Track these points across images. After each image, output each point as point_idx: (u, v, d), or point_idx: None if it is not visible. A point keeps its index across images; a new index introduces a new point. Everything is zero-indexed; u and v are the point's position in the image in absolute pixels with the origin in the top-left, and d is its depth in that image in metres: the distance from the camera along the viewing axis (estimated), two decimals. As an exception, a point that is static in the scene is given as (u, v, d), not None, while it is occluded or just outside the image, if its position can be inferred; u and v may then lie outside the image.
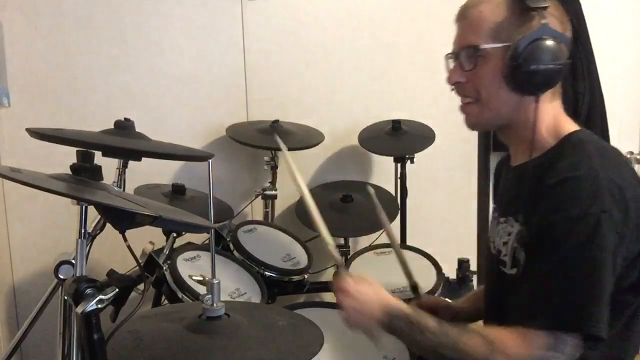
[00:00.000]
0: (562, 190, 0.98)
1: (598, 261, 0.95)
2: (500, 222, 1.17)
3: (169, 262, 1.45)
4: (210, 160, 1.22)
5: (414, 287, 1.37)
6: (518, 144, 1.17)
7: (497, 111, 1.12)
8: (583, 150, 1.04)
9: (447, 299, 1.45)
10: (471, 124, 1.18)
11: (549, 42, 1.02)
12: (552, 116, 1.10)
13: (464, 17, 1.13)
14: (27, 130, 1.09)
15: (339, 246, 2.04)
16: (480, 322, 1.32)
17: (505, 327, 1.01)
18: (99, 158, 0.99)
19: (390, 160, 2.19)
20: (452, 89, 1.17)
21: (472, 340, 1.01)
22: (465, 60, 1.11)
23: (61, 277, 1.30)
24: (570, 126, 1.10)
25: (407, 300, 1.34)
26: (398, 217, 2.10)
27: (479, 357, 1.00)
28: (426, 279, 1.66)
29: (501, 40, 1.06)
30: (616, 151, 1.09)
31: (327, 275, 2.16)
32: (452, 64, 1.17)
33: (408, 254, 1.82)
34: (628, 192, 0.99)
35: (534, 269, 1.01)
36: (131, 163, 1.47)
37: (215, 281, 0.96)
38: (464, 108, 1.16)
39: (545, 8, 1.03)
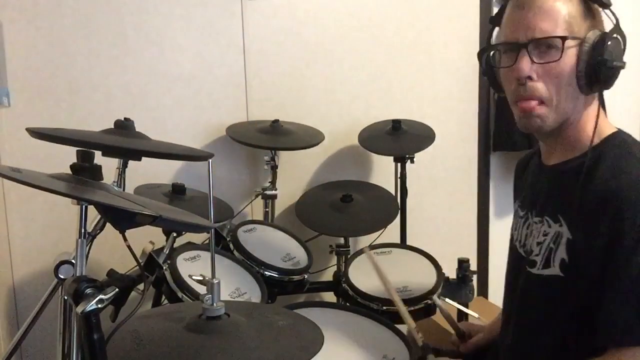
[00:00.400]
0: (626, 199, 0.95)
1: None
2: (535, 222, 1.13)
3: (169, 262, 1.45)
4: (210, 160, 1.22)
5: (462, 334, 1.42)
6: (556, 143, 1.12)
7: (564, 112, 1.05)
8: (631, 153, 1.01)
9: (481, 324, 1.47)
10: (535, 128, 1.08)
11: (621, 40, 1.02)
12: (595, 115, 1.07)
13: (534, 5, 1.03)
14: (27, 130, 1.08)
15: (338, 246, 2.04)
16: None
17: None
18: (99, 158, 0.99)
19: (390, 160, 2.19)
20: (522, 84, 1.05)
21: None
22: (542, 52, 1.03)
23: (61, 277, 1.30)
24: (610, 126, 1.08)
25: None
26: (398, 217, 2.10)
27: None
28: (426, 279, 1.66)
29: (574, 34, 1.02)
30: None
31: (327, 275, 2.16)
32: (518, 57, 1.04)
33: (408, 254, 1.83)
34: None
35: (612, 284, 0.96)
36: (131, 163, 1.46)
37: (215, 281, 0.96)
38: (529, 110, 1.06)
39: (610, 5, 1.03)
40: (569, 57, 1.02)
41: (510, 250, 1.24)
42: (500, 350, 1.27)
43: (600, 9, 1.05)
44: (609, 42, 1.01)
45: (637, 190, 0.95)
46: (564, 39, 1.01)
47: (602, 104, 1.11)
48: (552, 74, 1.03)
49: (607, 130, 1.07)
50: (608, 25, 1.08)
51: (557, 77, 1.03)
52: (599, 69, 1.01)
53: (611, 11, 1.04)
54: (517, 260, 1.17)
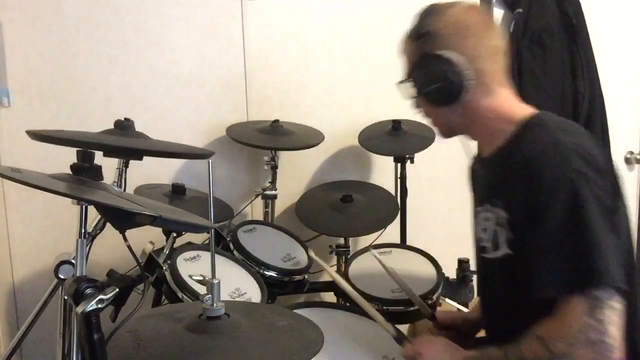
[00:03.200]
0: (533, 164, 1.03)
1: (587, 219, 0.98)
2: (478, 211, 1.22)
3: (169, 262, 1.45)
4: (210, 160, 1.22)
5: (432, 315, 1.46)
6: (480, 140, 1.27)
7: (445, 125, 1.28)
8: (543, 127, 1.09)
9: (462, 311, 1.52)
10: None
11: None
12: (500, 106, 1.17)
13: None
14: (27, 132, 1.09)
15: (338, 246, 2.04)
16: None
17: (538, 321, 1.03)
18: (99, 158, 0.99)
19: (390, 160, 2.19)
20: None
21: (529, 347, 1.02)
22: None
23: (61, 277, 1.30)
24: (525, 111, 1.16)
25: (420, 315, 1.47)
26: (398, 217, 2.10)
27: (544, 358, 1.00)
28: (426, 279, 1.66)
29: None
30: (578, 127, 1.13)
31: (327, 275, 2.16)
32: None
33: (408, 254, 1.82)
34: (599, 156, 1.03)
35: (534, 245, 1.03)
36: (131, 163, 1.47)
37: (215, 281, 0.96)
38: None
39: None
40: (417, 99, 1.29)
41: (473, 243, 1.32)
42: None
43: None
44: (413, 73, 1.24)
45: (542, 153, 1.03)
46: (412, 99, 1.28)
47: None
48: (432, 116, 1.29)
49: (521, 114, 1.14)
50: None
51: (429, 114, 1.29)
52: (427, 98, 1.23)
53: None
54: (477, 253, 1.26)
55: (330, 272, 1.53)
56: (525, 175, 1.04)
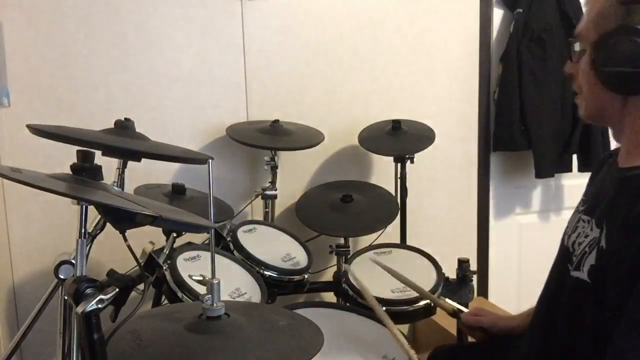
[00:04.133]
0: None
1: None
2: (583, 219, 1.08)
3: (169, 262, 1.45)
4: (210, 161, 1.22)
5: (454, 312, 1.43)
6: (623, 142, 1.07)
7: (595, 107, 1.06)
8: None
9: (495, 314, 1.43)
10: (582, 118, 1.12)
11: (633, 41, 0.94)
12: None
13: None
14: (28, 126, 1.08)
15: (338, 246, 2.04)
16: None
17: None
18: (99, 158, 0.99)
19: (390, 160, 2.19)
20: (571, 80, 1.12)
21: None
22: (573, 52, 1.08)
23: (61, 277, 1.30)
24: None
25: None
26: (398, 217, 2.10)
27: None
28: (426, 279, 1.66)
29: (591, 33, 1.02)
30: None
31: (327, 275, 2.16)
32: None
33: (408, 254, 1.83)
34: None
35: (625, 317, 0.89)
36: (131, 163, 1.47)
37: (215, 281, 0.96)
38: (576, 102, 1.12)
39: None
40: (586, 56, 1.03)
41: (561, 241, 1.17)
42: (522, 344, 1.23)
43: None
44: (611, 42, 0.96)
45: None
46: (576, 39, 1.04)
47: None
48: (580, 71, 1.06)
49: None
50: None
51: (583, 74, 1.05)
52: (602, 70, 0.99)
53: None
54: (562, 253, 1.12)
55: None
56: None
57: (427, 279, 1.66)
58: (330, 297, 1.93)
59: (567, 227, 1.16)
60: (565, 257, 1.09)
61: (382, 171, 2.35)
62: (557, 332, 1.08)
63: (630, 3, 0.94)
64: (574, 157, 2.56)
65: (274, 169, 2.10)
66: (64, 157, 1.00)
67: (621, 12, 0.95)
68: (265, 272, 1.61)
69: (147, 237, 1.43)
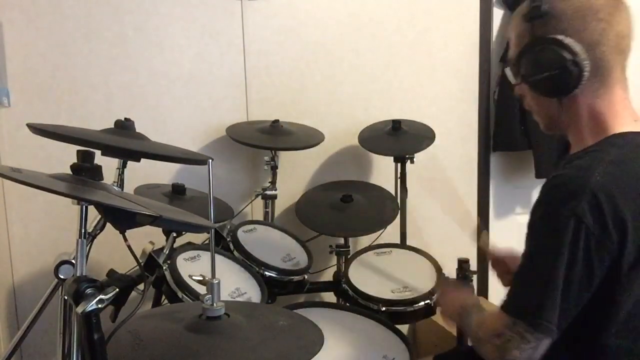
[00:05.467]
0: (546, 187, 1.02)
1: (555, 260, 0.97)
2: None
3: (169, 262, 1.45)
4: (210, 161, 1.22)
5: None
6: (573, 144, 1.15)
7: (545, 116, 1.16)
8: (604, 151, 1.01)
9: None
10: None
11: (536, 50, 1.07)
12: (604, 111, 1.06)
13: None
14: (28, 125, 1.08)
15: (338, 246, 2.04)
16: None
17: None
18: (99, 158, 0.99)
19: (390, 160, 2.19)
20: None
21: (476, 321, 1.13)
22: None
23: (61, 277, 1.30)
24: (621, 126, 1.05)
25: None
26: (398, 217, 2.10)
27: (472, 334, 1.14)
28: (426, 279, 1.67)
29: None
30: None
31: (327, 275, 2.16)
32: None
33: (408, 254, 1.83)
34: (619, 204, 0.96)
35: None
36: (131, 163, 1.47)
37: (215, 281, 0.96)
38: None
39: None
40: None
41: None
42: None
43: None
44: (528, 53, 1.08)
45: (559, 185, 1.00)
46: (507, 64, 1.15)
47: (618, 95, 1.07)
48: (524, 91, 1.15)
49: (611, 130, 1.06)
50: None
51: (526, 93, 1.15)
52: (531, 80, 1.09)
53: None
54: None
55: None
56: (541, 192, 1.03)
57: (427, 279, 1.66)
58: (330, 297, 1.93)
59: None
60: None
61: (382, 171, 2.35)
62: None
63: (533, 19, 1.05)
64: (574, 157, 2.55)
65: (274, 169, 2.10)
66: (64, 157, 1.00)
67: (530, 27, 1.06)
68: (265, 272, 1.61)
69: (147, 237, 1.43)
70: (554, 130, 1.16)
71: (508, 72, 1.14)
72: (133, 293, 1.16)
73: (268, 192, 2.07)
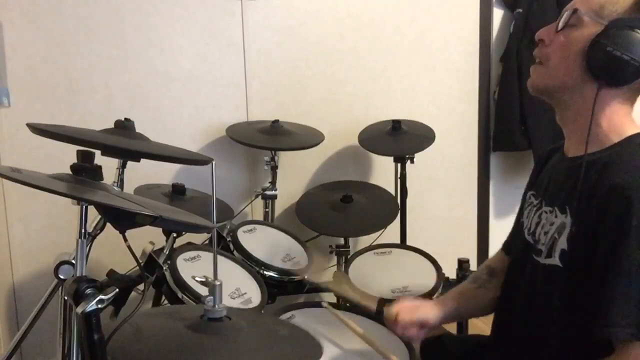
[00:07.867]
0: (629, 193, 0.94)
1: None
2: (545, 211, 1.13)
3: (169, 262, 1.45)
4: (213, 162, 1.22)
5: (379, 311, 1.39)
6: (573, 132, 1.12)
7: (558, 80, 1.09)
8: None
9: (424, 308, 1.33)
10: (530, 84, 1.15)
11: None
12: (618, 115, 1.05)
13: None
14: (28, 125, 1.08)
15: (338, 246, 2.04)
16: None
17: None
18: (99, 158, 0.99)
19: (390, 160, 2.19)
20: (536, 46, 1.13)
21: None
22: (565, 22, 1.06)
23: (61, 277, 1.29)
24: (634, 128, 1.05)
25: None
26: (398, 217, 2.10)
27: None
28: (426, 279, 1.66)
29: (597, 12, 1.03)
30: None
31: (327, 276, 2.16)
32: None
33: (408, 254, 1.82)
34: None
35: (606, 280, 0.95)
36: (131, 163, 1.46)
37: (218, 283, 0.96)
38: (531, 70, 1.14)
39: None
40: (581, 33, 1.04)
41: (517, 236, 1.23)
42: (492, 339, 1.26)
43: None
44: (619, 30, 0.98)
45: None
46: (575, 11, 1.04)
47: (631, 104, 1.08)
48: (560, 42, 1.06)
49: (629, 130, 1.05)
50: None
51: (563, 46, 1.06)
52: (597, 54, 1.00)
53: None
54: (524, 248, 1.17)
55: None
56: (622, 203, 0.94)
57: (427, 279, 1.66)
58: (330, 297, 1.93)
59: (525, 221, 1.21)
60: (529, 249, 1.14)
61: (382, 171, 2.35)
62: (532, 322, 1.12)
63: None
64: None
65: (274, 169, 2.10)
66: (64, 157, 1.00)
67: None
68: (265, 272, 1.61)
69: (147, 237, 1.43)
70: (547, 96, 1.13)
71: (570, 16, 1.05)
72: (133, 293, 1.16)
73: (268, 192, 2.08)
